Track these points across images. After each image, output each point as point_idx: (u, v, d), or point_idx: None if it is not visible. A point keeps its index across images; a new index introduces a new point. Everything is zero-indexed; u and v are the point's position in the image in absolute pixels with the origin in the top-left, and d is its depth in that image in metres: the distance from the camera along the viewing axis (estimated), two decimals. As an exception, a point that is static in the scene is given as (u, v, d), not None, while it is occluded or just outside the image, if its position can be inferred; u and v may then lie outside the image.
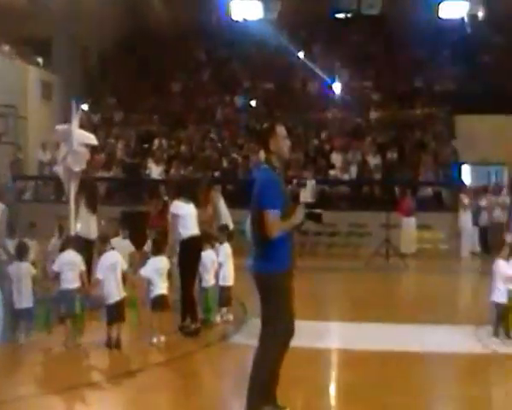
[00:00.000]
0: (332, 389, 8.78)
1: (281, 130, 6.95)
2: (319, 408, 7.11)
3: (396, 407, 8.11)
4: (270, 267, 6.77)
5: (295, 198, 7.01)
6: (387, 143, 28.26)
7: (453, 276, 19.98)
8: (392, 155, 27.53)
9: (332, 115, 30.86)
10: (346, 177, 26.81)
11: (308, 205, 6.93)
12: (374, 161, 27.16)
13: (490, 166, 28.08)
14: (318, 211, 7.09)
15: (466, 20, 35.55)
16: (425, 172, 26.69)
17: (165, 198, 16.14)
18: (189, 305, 11.60)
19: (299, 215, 6.84)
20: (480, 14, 36.03)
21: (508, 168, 28.83)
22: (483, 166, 28.08)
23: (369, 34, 34.46)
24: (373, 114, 30.44)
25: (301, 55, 33.56)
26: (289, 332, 6.91)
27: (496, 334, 10.94)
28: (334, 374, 9.58)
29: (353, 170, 26.89)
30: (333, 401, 8.42)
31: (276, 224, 6.66)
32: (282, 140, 6.94)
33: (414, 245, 23.63)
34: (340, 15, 37.39)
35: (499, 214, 22.78)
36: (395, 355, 10.35)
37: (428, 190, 26.41)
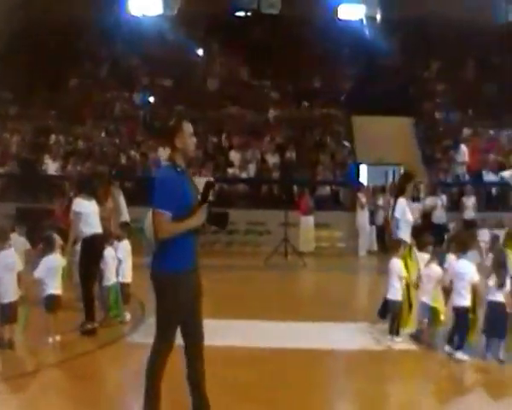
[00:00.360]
0: (230, 388, 8.72)
1: (188, 127, 6.75)
2: (215, 407, 7.05)
3: (294, 404, 8.14)
4: (165, 267, 6.58)
5: (204, 198, 6.79)
6: (286, 142, 28.41)
7: (351, 274, 20.20)
8: (291, 154, 27.68)
9: (231, 113, 30.88)
10: (244, 175, 26.84)
11: (210, 204, 6.76)
12: (272, 159, 27.28)
13: (387, 167, 28.57)
14: (224, 213, 6.98)
15: (364, 22, 36.15)
16: (323, 171, 26.96)
17: (71, 194, 15.81)
18: (89, 304, 11.40)
19: (200, 216, 6.61)
20: (378, 16, 36.67)
21: (404, 168, 29.37)
22: (380, 166, 28.55)
23: (269, 33, 34.58)
24: (272, 113, 30.57)
25: (200, 52, 33.52)
26: (191, 336, 6.79)
27: (391, 331, 11.09)
28: (232, 372, 9.52)
29: (252, 168, 26.94)
30: (231, 399, 8.34)
31: (163, 225, 6.46)
32: (188, 137, 6.74)
33: (312, 244, 23.87)
34: (240, 13, 37.50)
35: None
36: (293, 352, 10.38)
37: (326, 190, 26.67)
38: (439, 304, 10.80)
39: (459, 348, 10.08)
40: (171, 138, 6.73)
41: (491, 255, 12.70)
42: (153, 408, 6.69)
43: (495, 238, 14.19)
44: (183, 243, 6.59)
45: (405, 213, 11.94)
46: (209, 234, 22.76)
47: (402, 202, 11.99)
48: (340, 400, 8.94)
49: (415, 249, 11.84)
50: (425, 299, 10.83)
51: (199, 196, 6.75)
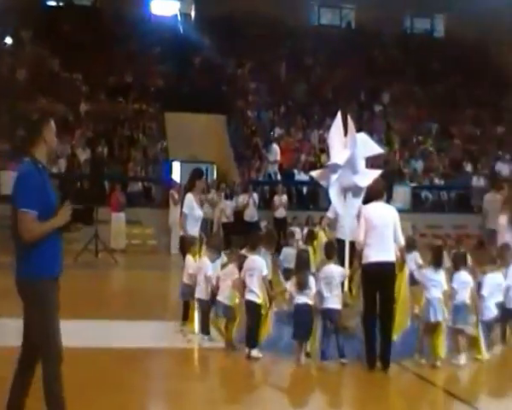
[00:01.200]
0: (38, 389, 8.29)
1: (53, 124, 6.39)
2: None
3: (106, 405, 7.92)
4: (32, 272, 6.13)
5: (66, 195, 6.44)
6: (97, 137, 27.93)
7: (162, 272, 20.15)
8: (102, 149, 27.26)
9: (41, 105, 29.89)
10: (54, 170, 26.04)
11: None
12: (83, 154, 26.74)
13: (200, 164, 28.57)
14: (89, 207, 6.66)
15: (179, 18, 36.18)
16: (135, 167, 26.74)
17: None
18: None
19: (65, 214, 6.23)
20: (193, 13, 36.79)
21: (217, 166, 29.58)
22: (193, 163, 28.51)
23: (81, 25, 33.77)
24: (83, 107, 29.95)
25: (9, 40, 32.38)
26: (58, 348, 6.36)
27: (201, 330, 10.98)
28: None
29: (62, 163, 26.25)
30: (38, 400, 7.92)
31: (29, 225, 6.00)
32: (53, 134, 6.37)
33: (123, 241, 23.59)
34: (52, 3, 36.67)
35: (208, 211, 23.26)
36: (105, 352, 10.13)
37: (138, 186, 26.50)
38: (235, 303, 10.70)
39: (253, 345, 10.00)
40: (38, 130, 6.29)
41: (285, 249, 13.30)
42: None
43: (290, 234, 14.51)
44: (50, 246, 6.21)
45: (193, 208, 12.30)
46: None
47: (189, 197, 12.35)
48: (146, 399, 8.76)
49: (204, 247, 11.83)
50: (220, 298, 10.64)
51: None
